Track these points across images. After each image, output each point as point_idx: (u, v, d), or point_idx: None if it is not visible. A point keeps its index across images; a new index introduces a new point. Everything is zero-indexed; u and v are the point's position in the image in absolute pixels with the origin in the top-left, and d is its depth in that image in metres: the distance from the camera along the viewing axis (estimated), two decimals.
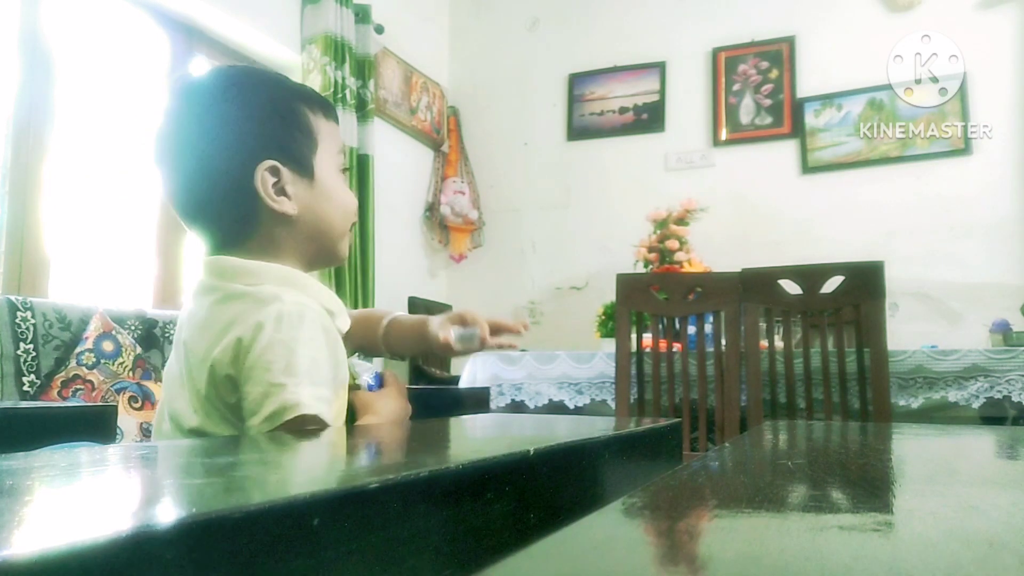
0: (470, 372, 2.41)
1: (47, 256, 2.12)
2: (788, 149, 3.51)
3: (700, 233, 3.12)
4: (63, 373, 1.66)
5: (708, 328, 2.16)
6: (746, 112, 3.60)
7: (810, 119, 3.47)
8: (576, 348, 2.74)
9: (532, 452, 0.47)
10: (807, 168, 3.47)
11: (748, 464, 0.53)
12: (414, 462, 0.41)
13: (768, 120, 3.56)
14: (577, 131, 3.91)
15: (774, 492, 0.37)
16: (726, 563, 0.23)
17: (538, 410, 2.30)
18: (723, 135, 3.63)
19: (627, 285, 2.20)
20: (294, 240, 0.83)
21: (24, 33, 2.10)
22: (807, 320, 2.07)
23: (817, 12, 3.52)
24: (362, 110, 3.17)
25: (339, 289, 2.93)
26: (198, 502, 0.30)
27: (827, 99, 3.45)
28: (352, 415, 0.86)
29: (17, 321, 1.62)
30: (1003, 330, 2.35)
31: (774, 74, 3.57)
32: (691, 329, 2.21)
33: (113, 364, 1.74)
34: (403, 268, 3.65)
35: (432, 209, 3.89)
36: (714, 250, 3.16)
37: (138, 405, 1.73)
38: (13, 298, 1.65)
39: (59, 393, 1.65)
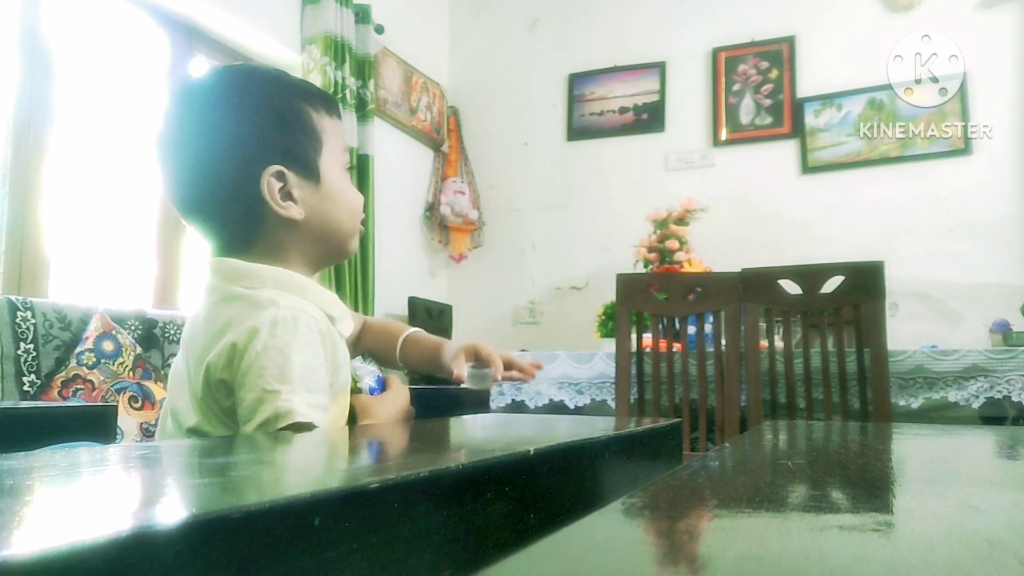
0: None
1: (47, 256, 2.12)
2: (788, 149, 3.51)
3: (700, 233, 3.12)
4: (63, 373, 1.66)
5: (708, 328, 2.16)
6: (746, 112, 3.60)
7: (810, 119, 3.47)
8: (576, 348, 2.74)
9: (532, 452, 0.47)
10: (807, 168, 3.47)
11: (748, 464, 0.53)
12: (414, 462, 0.41)
13: (768, 120, 3.56)
14: (577, 131, 3.91)
15: (774, 492, 0.37)
16: (726, 563, 0.23)
17: (538, 410, 2.30)
18: (723, 135, 3.63)
19: (627, 285, 2.20)
20: (300, 243, 0.83)
21: (24, 33, 2.10)
22: (807, 320, 2.07)
23: (817, 12, 3.52)
24: (362, 110, 3.17)
25: (339, 289, 2.93)
26: (198, 502, 0.30)
27: (827, 99, 3.45)
28: (353, 418, 0.86)
29: (17, 321, 1.62)
30: (1003, 330, 2.35)
31: (774, 74, 3.57)
32: (691, 329, 2.21)
33: (113, 364, 1.74)
34: (403, 268, 3.65)
35: (432, 209, 3.89)
36: (714, 250, 3.16)
37: (138, 405, 1.73)
38: (13, 298, 1.65)
39: (59, 393, 1.65)
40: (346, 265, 2.97)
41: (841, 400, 2.00)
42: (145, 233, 2.50)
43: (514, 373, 0.92)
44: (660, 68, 3.78)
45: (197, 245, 2.58)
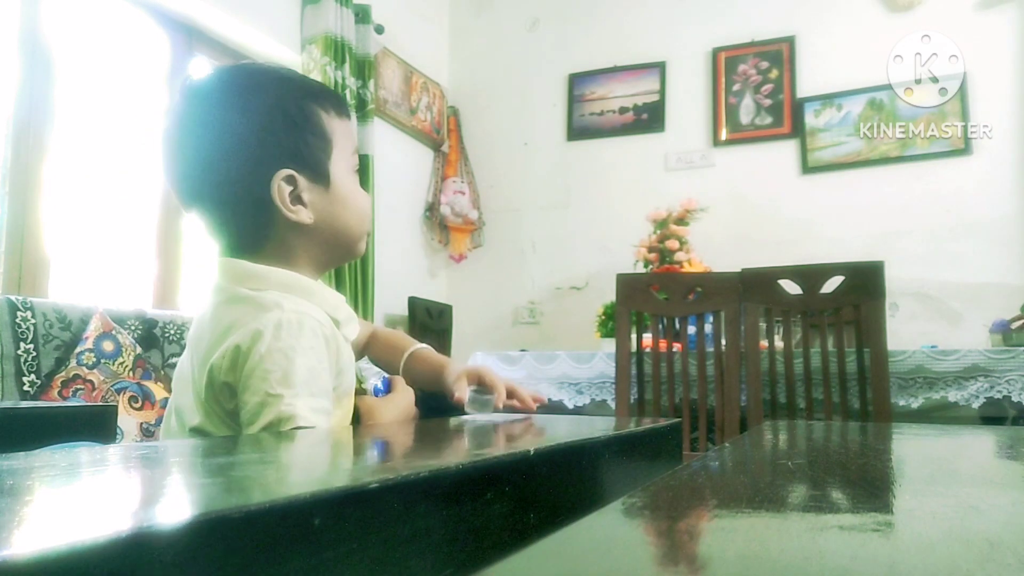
0: None
1: (47, 256, 2.12)
2: (788, 149, 3.51)
3: (700, 233, 3.12)
4: (63, 373, 1.66)
5: (708, 328, 2.16)
6: (746, 112, 3.60)
7: (810, 119, 3.47)
8: (576, 348, 2.74)
9: (532, 452, 0.47)
10: (807, 168, 3.46)
11: (748, 464, 0.53)
12: (414, 462, 0.41)
13: (768, 120, 3.56)
14: (577, 131, 3.91)
15: (774, 492, 0.37)
16: (726, 563, 0.23)
17: (538, 410, 2.29)
18: (723, 135, 3.63)
19: (627, 285, 2.20)
20: (309, 246, 0.83)
21: (24, 33, 2.10)
22: (807, 320, 2.07)
23: (817, 12, 3.52)
24: (362, 110, 3.17)
25: (339, 288, 2.92)
26: (198, 502, 0.30)
27: (827, 99, 3.45)
28: (358, 421, 0.86)
29: (17, 321, 1.62)
30: (1003, 330, 2.35)
31: (774, 74, 3.57)
32: (691, 329, 2.21)
33: (113, 364, 1.74)
34: (403, 268, 3.65)
35: (432, 209, 3.89)
36: (714, 250, 3.16)
37: (138, 405, 1.73)
38: (13, 298, 1.65)
39: (59, 393, 1.65)
40: (346, 265, 2.97)
41: (841, 400, 2.00)
42: (145, 233, 2.50)
43: (515, 402, 0.92)
44: (660, 68, 3.78)
45: (197, 245, 2.58)
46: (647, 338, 2.26)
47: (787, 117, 3.52)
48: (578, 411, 2.30)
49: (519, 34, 4.06)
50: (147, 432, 1.71)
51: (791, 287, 2.10)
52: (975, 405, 1.93)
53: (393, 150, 3.56)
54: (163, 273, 2.52)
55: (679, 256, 2.88)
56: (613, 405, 2.20)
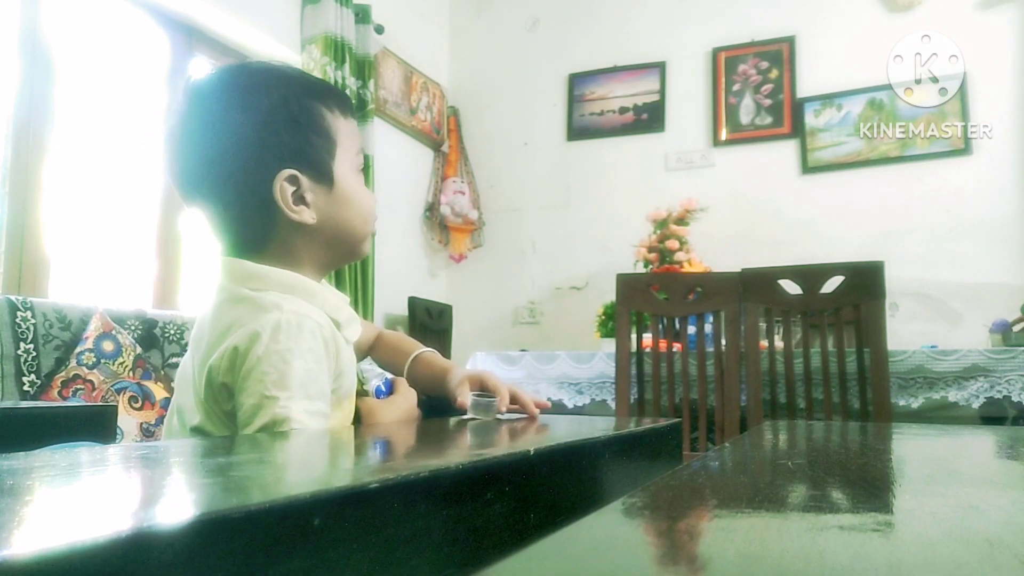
0: None
1: (47, 256, 2.12)
2: (788, 149, 3.51)
3: (700, 233, 3.12)
4: (63, 373, 1.66)
5: (708, 328, 2.16)
6: (746, 112, 3.60)
7: (810, 119, 3.47)
8: (576, 348, 2.74)
9: (532, 452, 0.47)
10: (807, 168, 3.47)
11: (748, 464, 0.53)
12: (414, 462, 0.41)
13: (768, 120, 3.56)
14: (577, 131, 3.91)
15: (774, 492, 0.37)
16: (726, 563, 0.23)
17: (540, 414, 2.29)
18: (723, 135, 3.63)
19: (627, 285, 2.20)
20: (312, 247, 0.82)
21: (24, 33, 2.10)
22: (807, 320, 2.07)
23: (817, 12, 3.52)
24: (362, 110, 3.17)
25: (338, 288, 2.92)
26: (198, 502, 0.30)
27: (827, 99, 3.45)
28: (359, 422, 0.86)
29: (17, 321, 1.62)
30: (1003, 330, 2.35)
31: (774, 74, 3.57)
32: (691, 329, 2.21)
33: (113, 364, 1.74)
34: (403, 268, 3.65)
35: (432, 209, 3.89)
36: (714, 250, 3.16)
37: (138, 405, 1.73)
38: (13, 298, 1.65)
39: (59, 393, 1.65)
40: (346, 265, 2.97)
41: (841, 400, 2.00)
42: (145, 233, 2.50)
43: (517, 407, 0.91)
44: (660, 68, 3.78)
45: (197, 245, 2.58)
46: (647, 338, 2.26)
47: (787, 117, 3.52)
48: (578, 411, 2.30)
49: (519, 34, 4.06)
50: (147, 432, 1.71)
51: (791, 287, 2.10)
52: (975, 405, 1.93)
53: (393, 150, 3.56)
54: (163, 273, 2.52)
55: (679, 256, 2.88)
56: (613, 405, 2.20)
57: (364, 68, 3.20)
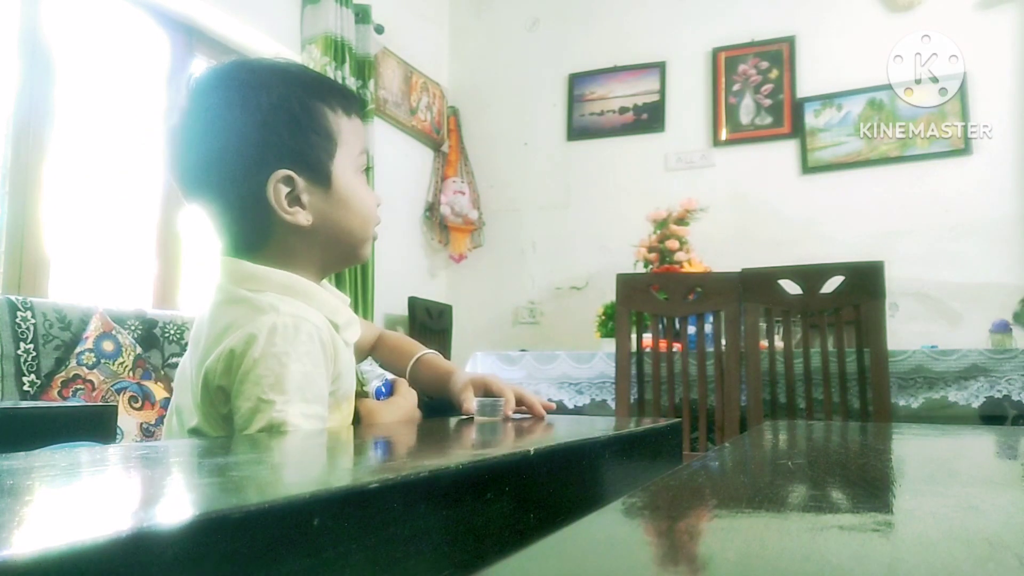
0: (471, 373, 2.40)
1: (47, 256, 2.12)
2: (788, 149, 3.51)
3: (700, 233, 3.12)
4: (63, 373, 1.66)
5: (708, 328, 2.16)
6: (746, 112, 3.60)
7: (810, 119, 3.47)
8: (576, 348, 2.74)
9: (532, 452, 0.47)
10: (807, 168, 3.47)
11: (748, 464, 0.53)
12: (414, 462, 0.41)
13: (768, 120, 3.56)
14: (577, 131, 3.91)
15: (774, 492, 0.37)
16: (726, 563, 0.23)
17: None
18: (723, 135, 3.63)
19: (627, 285, 2.20)
20: (309, 248, 0.81)
21: (24, 33, 2.10)
22: (807, 320, 2.06)
23: (817, 12, 3.52)
24: (362, 110, 3.17)
25: (339, 288, 2.92)
26: (198, 502, 0.30)
27: (827, 99, 3.45)
28: (359, 423, 0.86)
29: (17, 321, 1.62)
30: (1003, 330, 2.35)
31: (774, 74, 3.57)
32: (691, 329, 2.21)
33: (113, 364, 1.74)
34: (403, 268, 3.65)
35: (432, 209, 3.89)
36: (714, 250, 3.16)
37: (138, 405, 1.73)
38: (13, 298, 1.65)
39: (59, 393, 1.65)
40: (346, 268, 2.97)
41: (841, 400, 2.00)
42: (145, 233, 2.50)
43: (523, 409, 0.91)
44: (660, 68, 3.78)
45: (197, 245, 2.58)
46: (647, 338, 2.26)
47: (787, 117, 3.52)
48: (578, 411, 2.30)
49: (519, 34, 4.06)
50: (147, 432, 1.71)
51: (791, 287, 2.10)
52: (975, 405, 1.93)
53: (393, 150, 3.56)
54: (163, 273, 2.52)
55: (679, 256, 2.88)
56: (613, 405, 2.20)
57: (364, 68, 3.20)
